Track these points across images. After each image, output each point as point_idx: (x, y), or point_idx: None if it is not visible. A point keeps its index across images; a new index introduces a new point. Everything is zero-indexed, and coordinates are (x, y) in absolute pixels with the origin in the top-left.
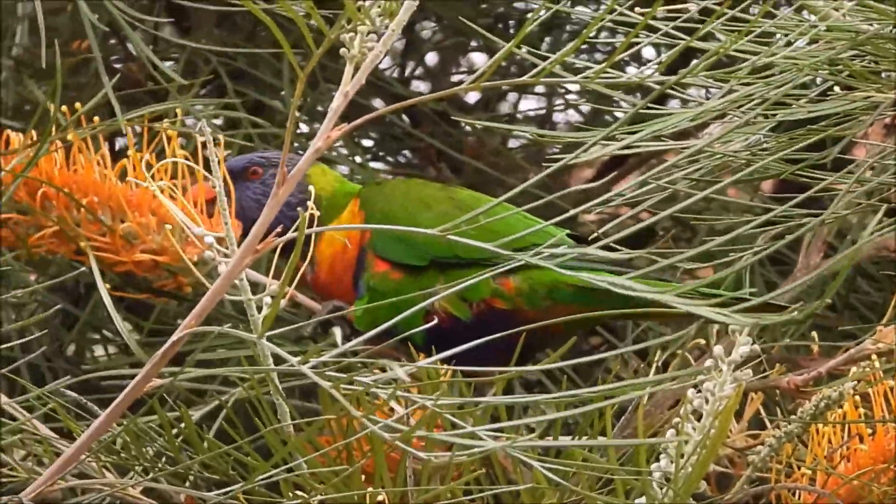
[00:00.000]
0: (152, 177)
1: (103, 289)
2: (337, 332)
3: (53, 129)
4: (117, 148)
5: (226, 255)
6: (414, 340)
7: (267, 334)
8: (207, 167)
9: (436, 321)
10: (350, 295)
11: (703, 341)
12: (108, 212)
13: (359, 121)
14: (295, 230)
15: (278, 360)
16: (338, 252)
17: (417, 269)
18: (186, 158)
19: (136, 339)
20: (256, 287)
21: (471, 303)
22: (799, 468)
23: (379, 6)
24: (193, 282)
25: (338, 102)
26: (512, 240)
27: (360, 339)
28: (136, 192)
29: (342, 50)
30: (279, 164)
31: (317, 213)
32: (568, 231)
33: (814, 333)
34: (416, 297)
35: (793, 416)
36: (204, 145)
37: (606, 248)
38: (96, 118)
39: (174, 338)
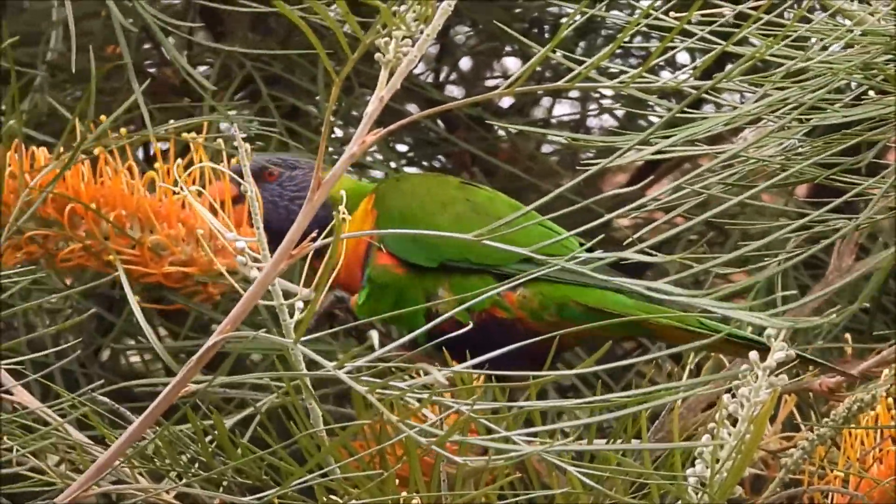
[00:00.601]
0: (180, 188)
1: (133, 301)
2: (374, 335)
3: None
4: (151, 153)
5: (257, 260)
6: (416, 339)
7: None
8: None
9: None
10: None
11: None
12: (136, 224)
13: (394, 125)
14: (329, 235)
15: (311, 364)
16: (350, 247)
17: (423, 269)
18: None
19: (172, 345)
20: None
21: (472, 309)
22: (832, 470)
23: (414, 11)
24: (223, 291)
25: (373, 107)
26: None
27: (395, 343)
28: (164, 203)
29: (377, 55)
30: (295, 167)
31: (347, 217)
32: (582, 241)
33: (847, 336)
34: (422, 303)
35: (825, 419)
36: (234, 149)
37: (641, 252)
38: (124, 130)
39: (209, 343)
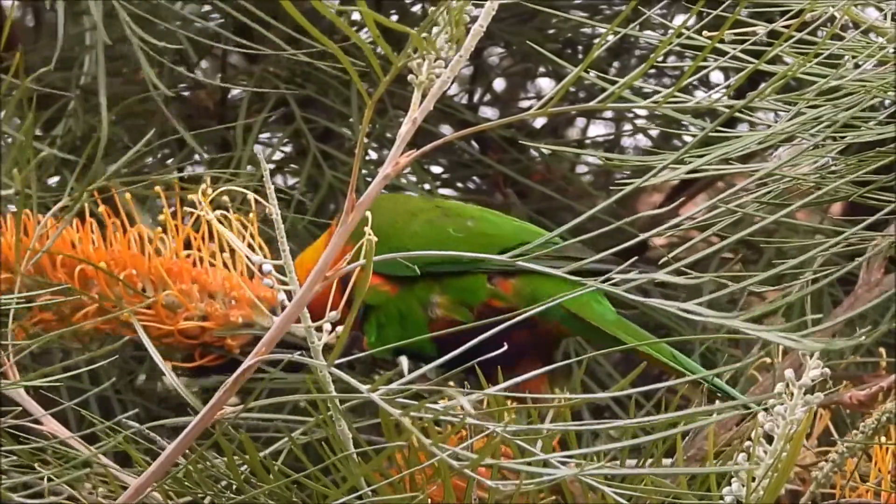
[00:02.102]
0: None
1: (154, 351)
2: (403, 360)
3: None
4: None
5: (285, 284)
6: (423, 348)
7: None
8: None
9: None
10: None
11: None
12: (148, 284)
13: (427, 147)
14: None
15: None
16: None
17: (411, 279)
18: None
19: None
20: None
21: (471, 307)
22: (864, 482)
23: (446, 33)
24: (242, 343)
25: (406, 129)
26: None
27: (429, 366)
28: (176, 262)
29: (410, 76)
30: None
31: (374, 239)
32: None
33: (881, 350)
34: (419, 313)
35: (854, 431)
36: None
37: (676, 272)
38: (128, 195)
39: (244, 366)
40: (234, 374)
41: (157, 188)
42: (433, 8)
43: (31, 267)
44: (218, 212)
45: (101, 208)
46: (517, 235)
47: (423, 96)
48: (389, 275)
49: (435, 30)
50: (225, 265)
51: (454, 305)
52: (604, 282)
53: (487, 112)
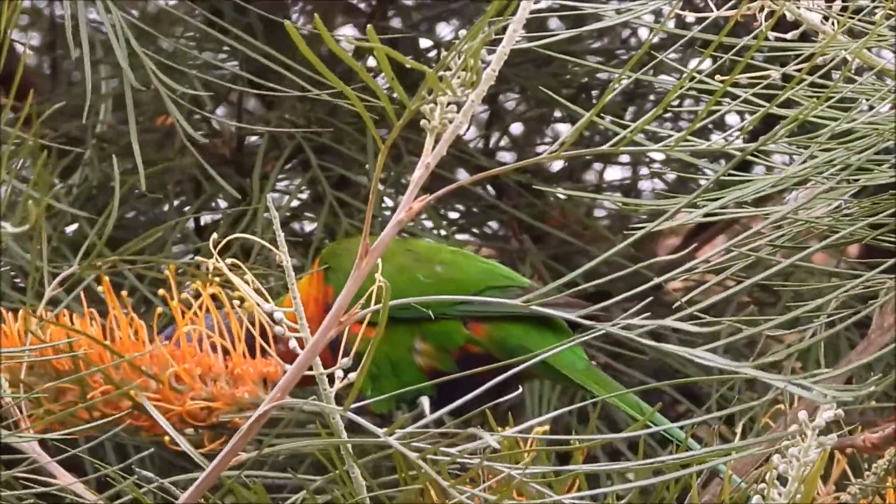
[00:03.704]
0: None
1: (166, 424)
2: (424, 401)
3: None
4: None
5: (296, 331)
6: (425, 394)
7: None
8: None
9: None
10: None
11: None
12: (152, 369)
13: (439, 192)
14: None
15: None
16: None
17: (391, 325)
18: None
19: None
20: None
21: (451, 352)
22: None
23: (459, 77)
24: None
25: (419, 174)
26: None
27: (445, 409)
28: (179, 349)
29: (422, 121)
30: None
31: (386, 284)
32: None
33: None
34: (408, 356)
35: (866, 473)
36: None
37: (690, 317)
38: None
39: (260, 411)
40: (249, 421)
41: (168, 272)
42: (446, 53)
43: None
44: (230, 260)
45: (104, 287)
46: (483, 280)
47: (437, 141)
48: (370, 322)
49: (448, 74)
50: (224, 349)
51: (436, 352)
52: (614, 326)
53: (505, 156)
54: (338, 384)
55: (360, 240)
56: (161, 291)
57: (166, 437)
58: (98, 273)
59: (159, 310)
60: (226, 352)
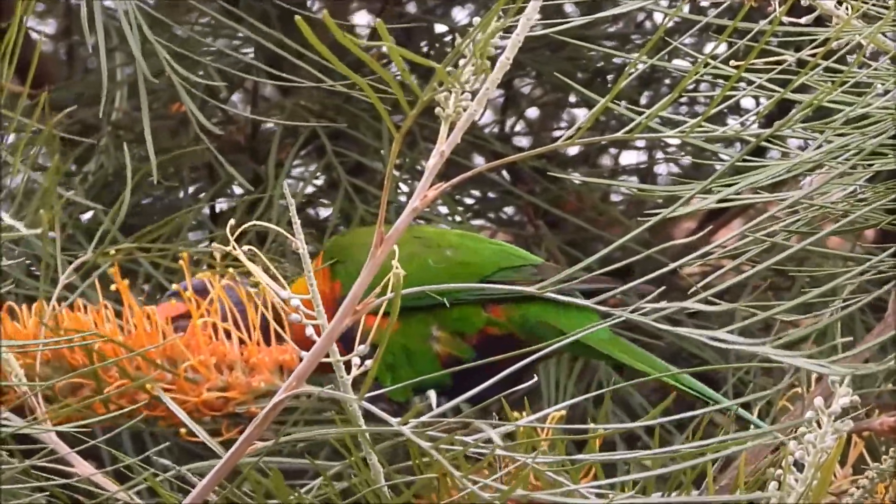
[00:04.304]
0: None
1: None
2: (432, 394)
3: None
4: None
5: (312, 318)
6: (443, 384)
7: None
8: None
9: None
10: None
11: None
12: (166, 361)
13: (454, 180)
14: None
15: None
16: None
17: (406, 314)
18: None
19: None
20: None
21: (469, 337)
22: None
23: (472, 65)
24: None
25: (433, 161)
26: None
27: (459, 399)
28: (193, 337)
29: (437, 110)
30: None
31: (402, 273)
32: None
33: None
34: (424, 345)
35: (885, 457)
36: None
37: (704, 301)
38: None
39: (276, 400)
40: (266, 409)
41: (182, 262)
42: (459, 40)
43: (49, 352)
44: (246, 247)
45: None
46: (496, 262)
47: (451, 129)
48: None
49: (461, 62)
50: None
51: (453, 339)
52: (633, 311)
53: (521, 141)
54: (354, 371)
55: (364, 231)
56: (175, 286)
57: (182, 429)
58: (113, 260)
59: (173, 301)
60: (241, 340)
